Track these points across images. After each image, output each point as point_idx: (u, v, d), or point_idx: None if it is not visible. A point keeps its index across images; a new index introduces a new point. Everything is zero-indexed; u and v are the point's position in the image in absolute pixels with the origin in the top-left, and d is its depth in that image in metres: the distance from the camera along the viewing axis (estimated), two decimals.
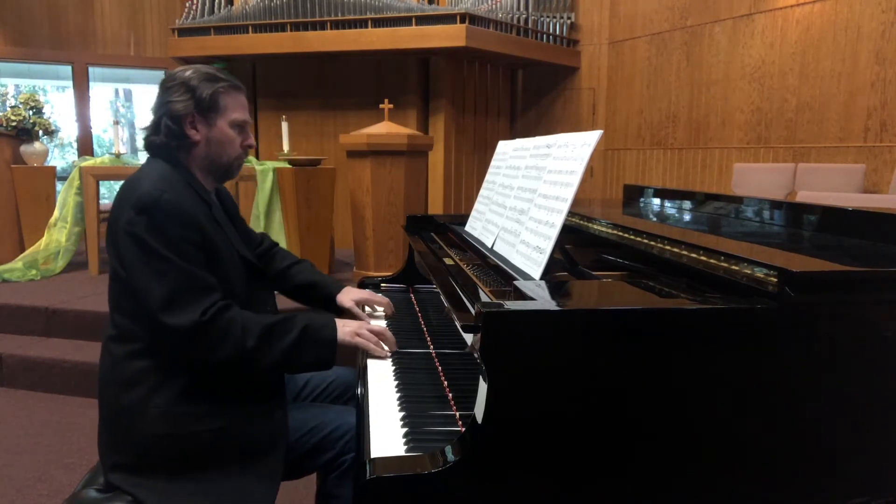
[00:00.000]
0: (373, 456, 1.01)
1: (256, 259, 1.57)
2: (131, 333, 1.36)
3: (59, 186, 5.08)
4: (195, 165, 1.47)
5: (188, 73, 1.44)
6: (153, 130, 1.45)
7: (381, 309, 1.74)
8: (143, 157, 1.50)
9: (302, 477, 1.54)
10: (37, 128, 5.11)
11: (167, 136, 1.43)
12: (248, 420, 1.37)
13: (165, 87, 1.45)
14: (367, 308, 1.75)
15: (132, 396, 1.34)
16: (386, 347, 1.47)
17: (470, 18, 5.64)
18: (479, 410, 0.92)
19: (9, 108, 5.15)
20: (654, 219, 1.91)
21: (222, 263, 1.39)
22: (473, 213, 1.91)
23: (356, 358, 1.52)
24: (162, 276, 1.28)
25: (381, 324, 1.66)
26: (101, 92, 8.72)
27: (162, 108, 1.43)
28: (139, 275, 1.30)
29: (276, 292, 1.73)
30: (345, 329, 1.44)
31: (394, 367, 1.41)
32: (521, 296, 1.05)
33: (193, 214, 1.35)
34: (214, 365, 1.33)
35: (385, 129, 4.23)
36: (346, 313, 1.71)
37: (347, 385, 1.71)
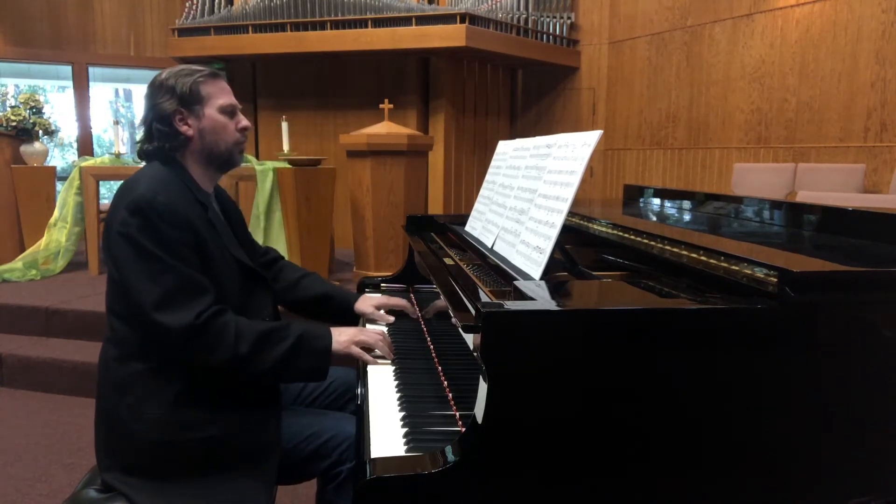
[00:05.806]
0: (373, 456, 1.01)
1: (256, 264, 1.55)
2: (124, 336, 1.36)
3: (59, 186, 5.08)
4: (193, 162, 1.48)
5: (164, 75, 1.47)
6: (146, 138, 1.47)
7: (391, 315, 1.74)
8: None
9: (300, 482, 1.53)
10: (37, 128, 5.11)
11: (160, 139, 1.44)
12: (242, 429, 1.36)
13: (148, 95, 1.47)
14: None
15: (126, 401, 1.34)
16: (386, 351, 1.46)
17: (470, 18, 5.63)
18: (479, 410, 0.92)
19: (9, 108, 5.14)
20: (654, 219, 1.91)
21: (214, 265, 1.39)
22: (473, 213, 1.91)
23: (356, 359, 1.52)
24: (155, 276, 1.28)
25: (381, 329, 1.65)
26: (101, 92, 8.71)
27: (149, 114, 1.46)
28: (132, 275, 1.29)
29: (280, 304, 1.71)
30: (340, 338, 1.43)
31: (394, 368, 1.41)
32: (521, 296, 1.05)
33: (187, 215, 1.35)
34: (207, 370, 1.32)
35: (385, 129, 4.23)
36: (363, 321, 1.71)
37: (347, 386, 1.71)
